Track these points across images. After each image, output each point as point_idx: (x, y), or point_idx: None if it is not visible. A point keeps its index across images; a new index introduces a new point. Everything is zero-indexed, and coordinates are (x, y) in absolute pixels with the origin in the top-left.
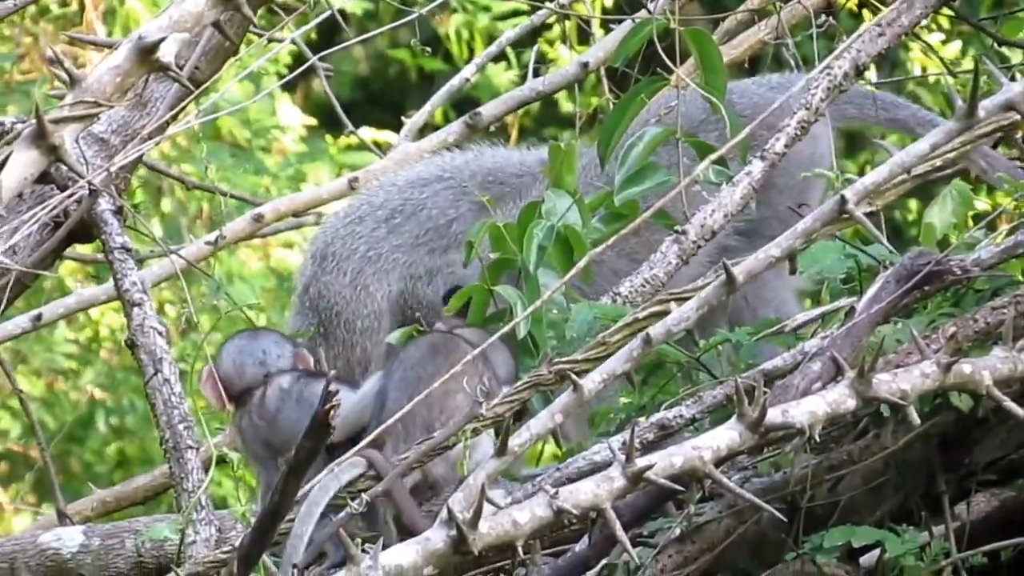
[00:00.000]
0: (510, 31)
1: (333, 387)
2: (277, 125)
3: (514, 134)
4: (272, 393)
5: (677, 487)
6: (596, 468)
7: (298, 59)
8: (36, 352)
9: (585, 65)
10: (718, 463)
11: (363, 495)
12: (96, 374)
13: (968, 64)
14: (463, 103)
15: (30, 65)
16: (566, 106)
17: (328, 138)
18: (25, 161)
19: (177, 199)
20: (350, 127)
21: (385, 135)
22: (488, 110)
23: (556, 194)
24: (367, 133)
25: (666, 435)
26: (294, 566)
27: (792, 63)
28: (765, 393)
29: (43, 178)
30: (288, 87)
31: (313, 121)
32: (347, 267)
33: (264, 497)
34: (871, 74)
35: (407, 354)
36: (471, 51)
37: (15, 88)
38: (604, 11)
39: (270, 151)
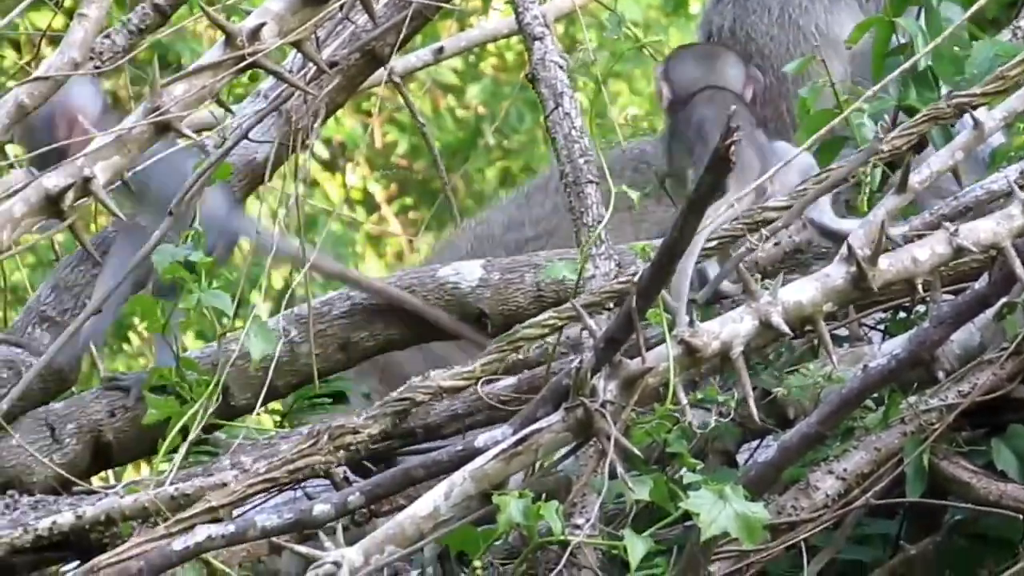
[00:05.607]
0: None
1: (734, 123)
2: None
3: None
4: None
5: None
6: (993, 198)
7: None
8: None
9: None
10: None
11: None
12: (481, 91)
13: None
14: None
15: None
16: None
17: None
18: None
19: None
20: None
21: None
22: None
23: None
24: None
25: None
26: (692, 300)
27: None
28: None
29: None
30: None
31: None
32: (771, 3)
33: None
34: None
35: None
36: None
37: None
38: None
39: None
